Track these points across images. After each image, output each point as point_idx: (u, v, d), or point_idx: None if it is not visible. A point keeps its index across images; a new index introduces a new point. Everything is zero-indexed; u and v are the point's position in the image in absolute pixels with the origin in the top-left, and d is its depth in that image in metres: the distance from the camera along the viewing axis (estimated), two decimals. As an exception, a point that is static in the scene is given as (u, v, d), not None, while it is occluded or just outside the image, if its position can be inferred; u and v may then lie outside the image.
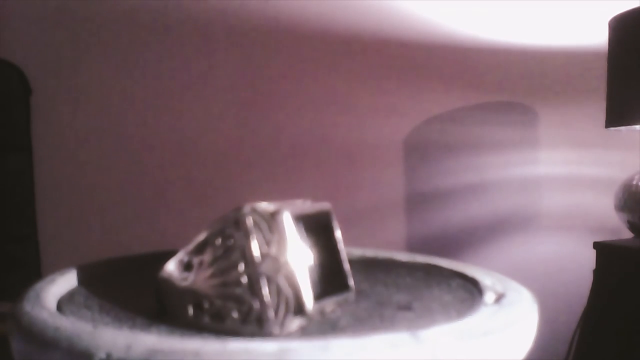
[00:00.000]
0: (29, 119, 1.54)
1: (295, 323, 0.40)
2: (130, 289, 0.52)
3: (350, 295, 0.46)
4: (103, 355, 0.34)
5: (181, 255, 0.43)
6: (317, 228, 0.44)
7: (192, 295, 0.41)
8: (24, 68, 1.53)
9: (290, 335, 0.39)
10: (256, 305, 0.39)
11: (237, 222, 0.40)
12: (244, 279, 0.40)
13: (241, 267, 0.40)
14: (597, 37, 1.37)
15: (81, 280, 0.54)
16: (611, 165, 1.41)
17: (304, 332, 0.40)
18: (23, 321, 0.39)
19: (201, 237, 0.42)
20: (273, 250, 0.40)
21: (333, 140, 1.52)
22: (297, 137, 1.53)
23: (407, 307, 0.47)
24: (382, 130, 1.52)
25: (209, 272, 0.41)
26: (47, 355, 0.36)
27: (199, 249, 0.42)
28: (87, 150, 1.57)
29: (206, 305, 0.41)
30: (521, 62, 1.47)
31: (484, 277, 0.53)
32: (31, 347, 0.37)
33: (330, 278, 0.44)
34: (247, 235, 0.40)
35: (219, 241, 0.41)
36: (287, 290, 0.39)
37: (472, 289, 0.52)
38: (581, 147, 1.47)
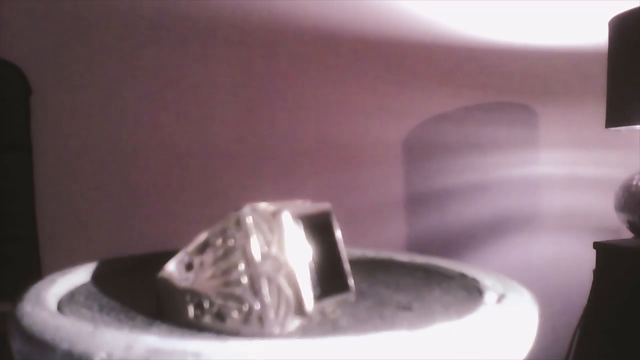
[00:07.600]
0: (29, 119, 1.54)
1: (295, 323, 0.40)
2: (130, 289, 0.52)
3: (350, 295, 0.46)
4: (103, 356, 0.34)
5: (181, 256, 0.43)
6: (317, 228, 0.44)
7: (193, 296, 0.41)
8: (24, 68, 1.53)
9: (290, 335, 0.39)
10: (256, 305, 0.39)
11: (238, 222, 0.40)
12: (245, 279, 0.40)
13: (242, 267, 0.40)
14: (597, 37, 1.37)
15: (81, 280, 0.54)
16: (611, 165, 1.41)
17: (304, 332, 0.40)
18: (23, 321, 0.39)
19: (202, 237, 0.42)
20: (273, 250, 0.40)
21: (333, 140, 1.52)
22: (298, 137, 1.53)
23: (407, 307, 0.47)
24: (382, 130, 1.52)
25: (209, 272, 0.41)
26: (47, 355, 0.36)
27: (200, 249, 0.42)
28: (87, 150, 1.56)
29: (206, 305, 0.41)
30: (521, 62, 1.47)
31: (484, 278, 0.53)
32: (31, 347, 0.37)
33: (330, 278, 0.44)
34: (247, 236, 0.40)
35: (219, 241, 0.41)
36: (288, 291, 0.39)
37: (472, 289, 0.52)
38: (581, 147, 1.47)
